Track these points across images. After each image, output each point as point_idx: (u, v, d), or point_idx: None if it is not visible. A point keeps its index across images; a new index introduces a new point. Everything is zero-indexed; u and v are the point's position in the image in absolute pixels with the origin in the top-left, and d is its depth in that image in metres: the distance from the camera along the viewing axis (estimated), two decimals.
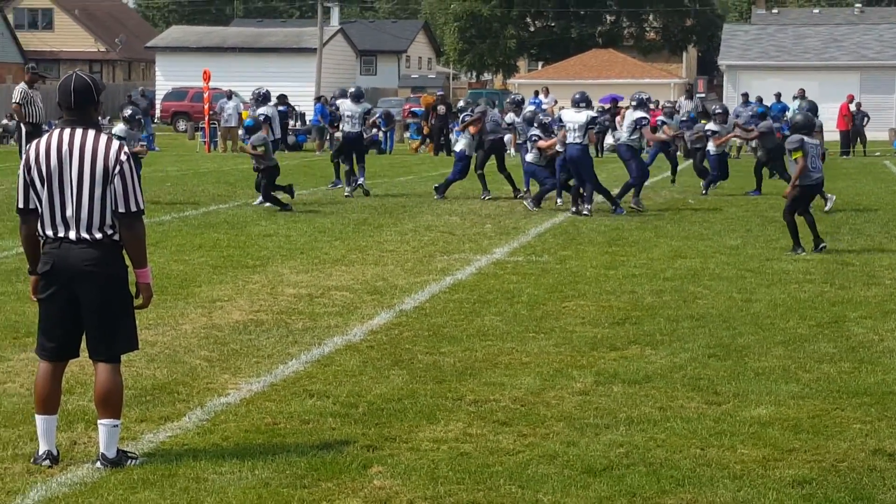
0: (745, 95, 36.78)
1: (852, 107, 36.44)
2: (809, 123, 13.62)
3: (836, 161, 31.50)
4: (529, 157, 18.37)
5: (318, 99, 39.57)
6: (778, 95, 36.92)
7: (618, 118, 38.39)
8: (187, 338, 8.70)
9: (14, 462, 5.81)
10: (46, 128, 19.11)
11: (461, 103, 24.48)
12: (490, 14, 63.76)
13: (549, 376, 7.64)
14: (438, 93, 40.11)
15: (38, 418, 5.80)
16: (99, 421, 5.76)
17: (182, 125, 48.51)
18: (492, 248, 13.83)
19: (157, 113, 49.51)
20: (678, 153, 24.38)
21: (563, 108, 24.19)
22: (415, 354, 8.25)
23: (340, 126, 20.58)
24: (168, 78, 53.14)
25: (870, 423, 6.62)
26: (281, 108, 36.29)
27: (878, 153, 36.06)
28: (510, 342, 8.68)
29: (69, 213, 5.67)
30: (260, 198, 18.25)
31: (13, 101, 19.54)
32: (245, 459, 5.84)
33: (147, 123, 40.60)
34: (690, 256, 13.17)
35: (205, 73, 38.36)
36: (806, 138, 13.38)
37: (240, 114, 35.02)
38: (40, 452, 5.79)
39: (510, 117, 21.21)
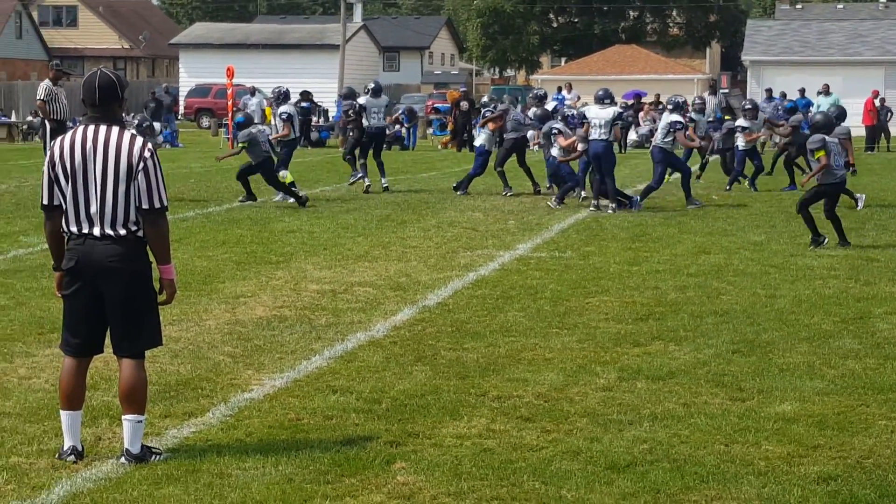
0: (769, 91, 36.58)
1: (877, 102, 36.19)
2: (829, 123, 13.62)
3: (860, 157, 31.28)
4: (554, 152, 18.36)
5: (341, 95, 39.62)
6: (802, 91, 36.69)
7: (641, 114, 38.40)
8: (211, 334, 8.72)
9: (39, 457, 5.84)
10: (71, 124, 19.21)
11: (485, 99, 24.46)
12: (513, 10, 63.70)
13: (573, 372, 7.62)
14: (461, 89, 40.12)
15: (63, 414, 5.83)
16: (123, 416, 5.79)
17: (206, 122, 48.67)
18: (515, 244, 13.81)
19: (181, 109, 49.70)
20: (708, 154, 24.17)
21: (585, 104, 24.16)
22: (438, 350, 8.25)
23: (363, 122, 20.48)
24: (192, 74, 53.34)
25: (895, 419, 6.57)
26: (304, 104, 36.38)
27: None
28: (533, 338, 8.67)
29: (93, 209, 5.69)
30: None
31: (38, 97, 19.67)
32: (268, 455, 5.85)
33: (171, 120, 40.82)
34: (714, 252, 13.12)
35: (228, 69, 38.46)
36: (827, 137, 13.35)
37: (263, 110, 35.10)
38: (65, 448, 5.82)
39: (533, 112, 21.21)
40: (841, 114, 17.66)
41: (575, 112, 18.96)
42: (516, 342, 8.52)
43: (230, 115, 37.48)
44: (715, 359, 7.99)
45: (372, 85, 20.82)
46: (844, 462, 5.84)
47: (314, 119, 37.84)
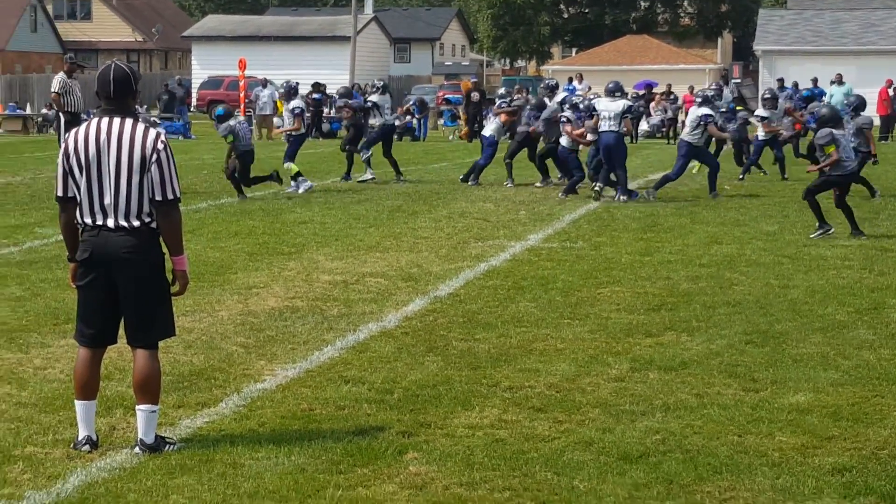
0: (781, 80, 36.43)
1: (891, 91, 36.05)
2: (836, 116, 13.61)
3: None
4: (564, 142, 18.36)
5: (353, 87, 39.61)
6: (815, 81, 36.56)
7: (652, 104, 38.30)
8: (224, 324, 8.75)
9: (54, 447, 5.87)
10: (85, 117, 19.26)
11: (501, 91, 24.43)
12: (524, 1, 63.54)
13: (585, 363, 7.62)
14: (472, 79, 40.07)
15: (78, 404, 5.86)
16: (137, 407, 5.81)
17: None
18: (526, 235, 13.80)
19: (194, 101, 49.77)
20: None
21: (596, 94, 24.09)
22: (449, 341, 8.26)
23: (376, 120, 20.68)
24: (204, 67, 53.39)
25: None
26: (316, 95, 36.37)
27: None
28: (545, 328, 8.67)
29: (107, 201, 5.71)
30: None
31: (52, 90, 19.74)
32: (281, 445, 5.87)
33: (183, 112, 40.87)
34: (727, 242, 13.10)
35: (240, 61, 38.54)
36: (835, 131, 13.30)
37: (275, 102, 35.13)
38: (80, 437, 5.85)
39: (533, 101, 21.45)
40: (861, 103, 17.57)
41: (583, 102, 18.88)
42: (528, 333, 8.52)
43: (242, 106, 37.56)
44: (728, 349, 7.98)
45: (381, 83, 21.49)
46: (859, 453, 5.83)
47: (325, 110, 37.86)
